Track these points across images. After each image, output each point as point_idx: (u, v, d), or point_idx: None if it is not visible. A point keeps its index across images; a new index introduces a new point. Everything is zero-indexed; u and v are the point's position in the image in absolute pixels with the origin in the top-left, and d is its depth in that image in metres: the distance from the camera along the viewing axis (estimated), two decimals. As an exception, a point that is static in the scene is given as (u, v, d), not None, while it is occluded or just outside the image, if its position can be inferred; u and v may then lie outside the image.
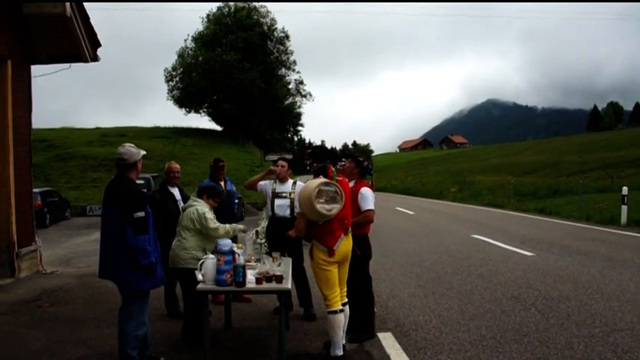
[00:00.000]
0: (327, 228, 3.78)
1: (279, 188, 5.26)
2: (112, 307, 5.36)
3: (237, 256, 3.75)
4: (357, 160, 4.46)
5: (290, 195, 5.19)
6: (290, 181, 5.29)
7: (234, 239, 5.04)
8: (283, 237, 4.69)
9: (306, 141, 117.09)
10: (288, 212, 5.17)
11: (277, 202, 5.18)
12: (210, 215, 4.23)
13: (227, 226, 4.26)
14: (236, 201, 6.46)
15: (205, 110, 50.50)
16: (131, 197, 3.46)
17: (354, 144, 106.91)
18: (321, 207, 3.63)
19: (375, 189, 4.54)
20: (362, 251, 4.35)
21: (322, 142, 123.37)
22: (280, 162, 5.24)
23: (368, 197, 4.41)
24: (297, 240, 4.90)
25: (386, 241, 10.65)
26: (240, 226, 4.34)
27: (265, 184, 5.31)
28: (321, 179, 3.77)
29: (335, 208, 3.68)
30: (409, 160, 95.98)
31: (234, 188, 6.28)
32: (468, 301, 5.60)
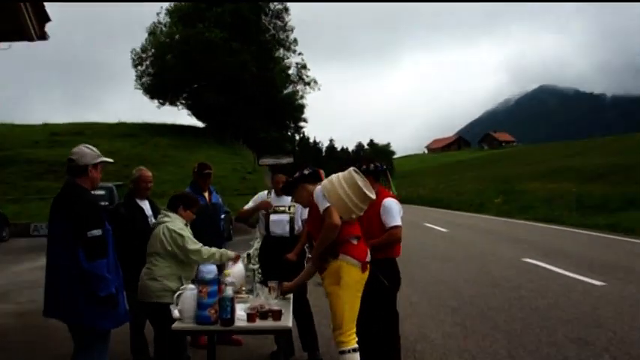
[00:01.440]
0: (353, 231, 3.90)
1: (276, 201, 5.31)
2: (62, 355, 5.30)
3: (223, 286, 3.72)
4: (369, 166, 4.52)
5: (289, 210, 5.25)
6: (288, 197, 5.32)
7: (220, 267, 5.02)
8: (280, 261, 4.70)
9: (311, 140, 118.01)
10: (286, 230, 5.21)
11: (273, 217, 5.23)
12: (186, 233, 4.24)
13: (213, 249, 4.27)
14: (222, 216, 6.46)
15: (183, 102, 50.99)
16: (84, 210, 3.43)
17: (371, 144, 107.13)
18: (364, 189, 3.80)
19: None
20: (389, 280, 4.35)
21: (330, 141, 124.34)
22: (278, 177, 5.29)
23: (393, 210, 4.44)
24: (299, 265, 4.89)
25: (412, 266, 10.62)
26: (231, 253, 4.34)
27: (258, 197, 5.37)
28: (350, 168, 3.95)
29: (371, 194, 3.87)
30: (441, 164, 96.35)
31: (220, 200, 6.30)
32: (520, 344, 5.53)
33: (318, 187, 3.88)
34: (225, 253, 4.34)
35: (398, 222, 4.45)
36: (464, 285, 8.68)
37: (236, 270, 4.27)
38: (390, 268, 4.42)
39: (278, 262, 4.85)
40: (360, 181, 3.84)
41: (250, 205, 5.42)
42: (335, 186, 3.80)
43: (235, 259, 4.37)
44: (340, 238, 3.80)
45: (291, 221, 5.23)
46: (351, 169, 3.90)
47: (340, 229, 3.76)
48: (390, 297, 4.45)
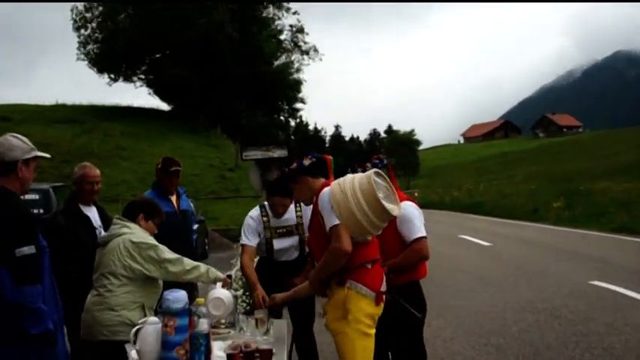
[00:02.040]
0: (369, 254, 3.89)
1: (277, 222, 5.33)
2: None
3: (195, 318, 3.73)
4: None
5: (297, 229, 5.31)
6: (291, 207, 5.37)
7: (191, 294, 5.02)
8: (284, 285, 4.77)
9: (310, 127, 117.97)
10: (295, 254, 5.35)
11: (278, 242, 5.31)
12: (156, 242, 4.35)
13: (201, 265, 4.38)
14: (195, 227, 6.47)
15: (142, 77, 51.20)
16: (10, 222, 3.43)
17: (389, 130, 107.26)
18: (385, 202, 3.75)
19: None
20: (416, 310, 4.42)
21: (337, 128, 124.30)
22: (277, 200, 5.21)
23: (414, 218, 4.50)
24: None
25: (443, 291, 10.62)
26: (220, 275, 4.41)
27: (254, 220, 5.32)
28: (370, 170, 3.90)
29: (395, 209, 3.82)
30: (481, 157, 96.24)
31: (192, 207, 6.32)
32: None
33: (326, 192, 3.85)
34: (213, 271, 4.40)
35: (422, 232, 4.51)
36: (512, 316, 8.67)
37: (218, 296, 4.28)
38: (416, 295, 4.49)
39: (283, 289, 4.88)
40: (383, 190, 3.81)
41: (246, 242, 5.29)
42: (348, 197, 3.75)
43: (225, 282, 4.41)
44: (350, 265, 3.81)
45: (302, 242, 5.30)
46: (372, 172, 3.84)
47: (352, 253, 3.76)
48: (417, 330, 4.51)
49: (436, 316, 8.71)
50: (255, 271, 5.14)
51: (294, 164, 4.13)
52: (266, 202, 5.41)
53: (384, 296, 3.90)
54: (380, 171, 3.93)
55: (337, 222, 3.72)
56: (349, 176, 3.92)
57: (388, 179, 3.92)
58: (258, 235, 5.33)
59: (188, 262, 4.35)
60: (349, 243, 3.71)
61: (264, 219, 5.32)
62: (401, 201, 4.46)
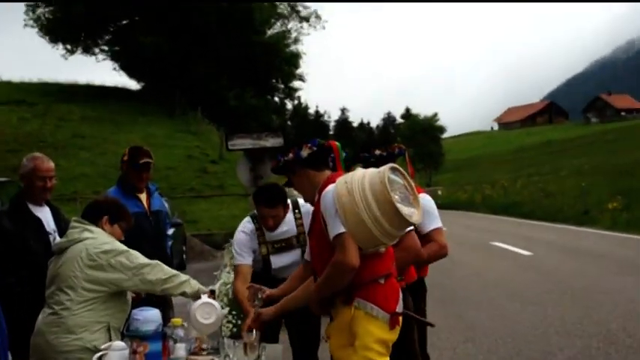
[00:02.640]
0: (382, 268, 3.87)
1: (273, 235, 5.34)
2: None
3: (170, 343, 3.74)
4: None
5: (299, 238, 5.33)
6: (289, 214, 5.37)
7: (165, 313, 5.03)
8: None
9: (311, 110, 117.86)
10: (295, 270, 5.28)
11: (277, 259, 5.35)
12: (125, 247, 4.38)
13: (181, 274, 4.40)
14: (170, 232, 6.48)
15: (105, 49, 51.14)
16: None
17: (407, 114, 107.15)
18: (402, 207, 3.70)
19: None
20: (417, 306, 4.62)
21: (343, 112, 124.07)
22: (263, 210, 5.23)
23: (431, 209, 4.76)
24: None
25: (473, 311, 10.65)
26: (203, 288, 4.45)
27: (246, 235, 5.36)
28: (385, 166, 3.83)
29: (414, 215, 3.78)
30: (519, 147, 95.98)
31: (166, 207, 6.33)
32: None
33: (329, 192, 3.80)
34: (195, 283, 4.43)
35: (438, 223, 4.79)
36: (557, 341, 8.67)
37: (208, 301, 4.31)
38: (420, 292, 4.75)
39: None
40: (400, 191, 3.77)
41: (240, 260, 5.33)
42: (356, 201, 3.69)
43: (210, 294, 4.42)
44: (358, 280, 3.78)
45: (304, 252, 5.26)
46: (387, 169, 3.78)
47: (361, 267, 3.72)
48: (420, 332, 4.72)
49: (464, 341, 8.71)
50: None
51: (291, 155, 4.09)
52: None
53: (400, 318, 3.88)
54: (397, 166, 3.89)
55: (342, 230, 3.67)
56: (359, 172, 3.85)
57: (407, 175, 3.90)
58: (252, 252, 5.34)
59: (167, 270, 4.37)
60: (356, 256, 3.67)
61: (258, 232, 5.33)
62: (418, 192, 4.59)
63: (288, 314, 4.64)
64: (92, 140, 33.70)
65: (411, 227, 4.46)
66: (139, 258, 4.33)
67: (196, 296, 4.38)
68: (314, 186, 4.03)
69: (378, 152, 4.92)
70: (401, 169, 3.89)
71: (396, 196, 3.69)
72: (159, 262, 4.41)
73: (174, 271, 4.41)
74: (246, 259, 5.29)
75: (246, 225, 5.40)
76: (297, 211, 5.34)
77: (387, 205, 3.64)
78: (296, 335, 5.41)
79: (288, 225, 5.32)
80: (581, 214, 29.60)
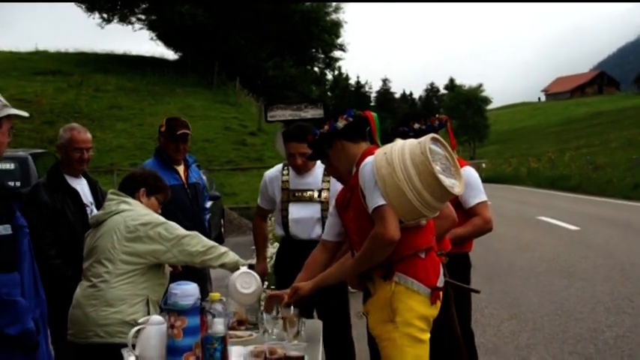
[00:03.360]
0: (422, 241, 3.88)
1: (297, 182, 5.42)
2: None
3: (209, 317, 3.75)
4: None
5: (321, 194, 5.36)
6: (318, 169, 5.41)
7: (204, 287, 5.06)
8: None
9: (352, 81, 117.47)
10: (317, 231, 5.31)
11: (295, 209, 5.36)
12: (163, 218, 4.42)
13: (222, 248, 4.46)
14: (208, 205, 6.50)
15: (142, 19, 51.25)
16: None
17: (451, 85, 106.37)
18: (444, 178, 3.71)
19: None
20: (463, 281, 4.68)
21: (384, 82, 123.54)
22: (292, 146, 5.35)
23: (475, 181, 4.82)
24: (340, 286, 4.94)
25: (517, 287, 10.63)
26: (243, 260, 4.49)
27: (271, 176, 5.57)
28: (425, 136, 3.83)
29: (456, 186, 3.79)
30: (567, 119, 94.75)
31: (204, 180, 6.35)
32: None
33: (368, 164, 3.80)
34: (235, 255, 4.48)
35: (483, 197, 4.82)
36: (605, 318, 8.62)
37: (247, 271, 4.36)
38: (464, 267, 4.81)
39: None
40: (441, 162, 3.76)
41: (260, 203, 5.73)
42: (396, 172, 3.69)
43: (251, 266, 4.47)
44: (398, 254, 3.79)
45: (324, 217, 5.28)
46: (428, 139, 3.77)
47: (401, 241, 3.73)
48: (464, 305, 4.79)
49: (508, 318, 8.68)
50: (265, 240, 5.74)
51: (326, 126, 4.08)
52: (291, 170, 5.51)
53: (440, 293, 3.88)
54: (437, 136, 3.88)
55: (382, 202, 3.68)
56: (398, 143, 3.85)
57: (448, 146, 3.88)
58: (273, 198, 5.49)
59: (205, 241, 4.41)
60: (397, 228, 3.67)
61: (284, 177, 5.44)
62: (462, 165, 4.56)
63: (319, 300, 4.67)
64: (129, 111, 33.88)
65: (484, 198, 4.62)
66: (178, 229, 4.36)
67: (235, 268, 4.41)
68: (350, 159, 4.02)
69: (417, 126, 4.88)
70: (442, 139, 3.88)
71: (437, 167, 3.68)
72: (198, 233, 4.45)
73: (213, 243, 4.45)
74: (264, 203, 5.66)
75: (274, 168, 5.64)
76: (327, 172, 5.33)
77: (429, 176, 3.64)
78: (326, 313, 5.40)
79: (313, 177, 5.40)
80: (632, 187, 29.24)
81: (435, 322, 3.92)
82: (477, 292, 4.53)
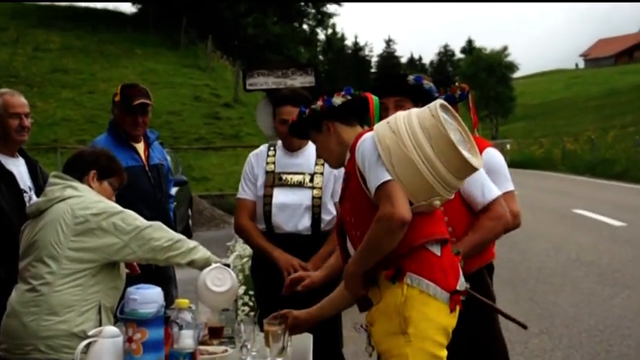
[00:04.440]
0: (436, 230, 3.89)
1: (285, 163, 5.43)
2: None
3: (175, 329, 3.74)
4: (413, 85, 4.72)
5: (312, 180, 5.37)
6: (311, 148, 5.36)
7: (168, 292, 5.04)
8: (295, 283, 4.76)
9: (348, 42, 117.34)
10: (305, 223, 5.33)
11: (280, 196, 5.36)
12: (119, 207, 4.40)
13: (191, 242, 4.44)
14: (173, 192, 6.49)
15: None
16: None
17: (469, 48, 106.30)
18: (464, 150, 3.71)
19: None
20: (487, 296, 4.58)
21: (388, 44, 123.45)
22: (283, 110, 5.34)
23: (501, 167, 4.86)
24: (323, 294, 4.96)
25: (550, 294, 10.67)
26: (215, 257, 4.46)
27: (256, 158, 5.56)
28: (434, 102, 3.84)
29: (475, 160, 3.78)
30: (611, 90, 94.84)
31: (169, 161, 6.34)
32: None
33: (368, 137, 3.81)
34: (206, 251, 4.44)
35: (510, 185, 4.84)
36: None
37: (220, 266, 4.33)
38: (488, 275, 4.73)
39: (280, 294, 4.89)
40: (457, 132, 3.75)
41: (242, 194, 5.53)
42: (403, 140, 3.68)
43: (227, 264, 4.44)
44: (407, 245, 3.78)
45: (315, 205, 5.30)
46: (438, 103, 3.77)
47: (409, 228, 3.71)
48: (492, 323, 4.70)
49: (538, 333, 8.68)
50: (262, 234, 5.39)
51: (320, 103, 4.06)
52: (280, 141, 5.48)
53: (460, 298, 3.86)
54: (447, 104, 3.85)
55: (388, 177, 3.66)
56: (401, 112, 3.86)
57: (460, 119, 3.86)
58: (256, 183, 5.45)
59: (171, 234, 4.39)
60: (407, 207, 3.64)
61: (269, 159, 5.44)
62: (483, 148, 4.66)
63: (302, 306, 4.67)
64: (76, 76, 33.76)
65: (498, 193, 4.51)
66: (137, 219, 4.34)
67: (207, 266, 4.38)
68: (343, 144, 4.03)
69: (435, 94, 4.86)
70: (451, 109, 3.86)
71: (452, 135, 3.68)
72: (161, 224, 4.42)
73: (180, 236, 4.43)
74: (248, 194, 5.47)
75: (260, 148, 5.61)
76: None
77: (442, 140, 3.65)
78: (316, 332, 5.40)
79: (305, 158, 5.41)
80: (688, 175, 29.41)
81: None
82: (524, 327, 4.50)
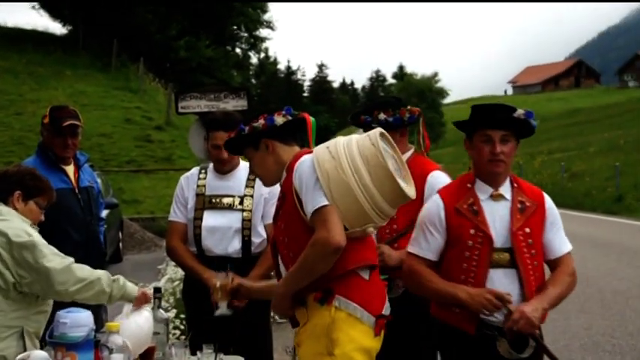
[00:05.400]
0: (367, 256, 3.93)
1: (216, 186, 5.42)
2: None
3: (104, 353, 3.72)
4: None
5: (243, 202, 5.36)
6: (242, 171, 5.45)
7: (98, 315, 5.00)
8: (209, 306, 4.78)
9: (281, 66, 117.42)
10: (236, 245, 5.32)
11: (209, 217, 5.35)
12: (37, 236, 4.28)
13: (100, 272, 4.33)
14: (104, 214, 6.44)
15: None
16: None
17: (400, 74, 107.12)
18: (402, 181, 3.77)
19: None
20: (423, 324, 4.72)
21: (321, 68, 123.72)
22: (219, 135, 5.30)
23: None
24: (263, 315, 4.97)
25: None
26: (134, 289, 4.38)
27: (187, 181, 5.55)
28: (373, 130, 3.90)
29: (411, 190, 3.85)
30: (537, 116, 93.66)
31: (99, 183, 6.29)
32: None
33: (307, 159, 3.84)
34: (124, 284, 4.34)
35: None
36: (582, 357, 8.81)
37: (138, 322, 4.27)
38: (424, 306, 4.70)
39: (208, 320, 4.88)
40: (393, 160, 3.81)
41: (173, 217, 5.50)
42: (343, 166, 3.73)
43: (140, 300, 4.36)
44: (338, 270, 3.81)
45: (245, 227, 5.30)
46: (377, 132, 3.84)
47: (343, 253, 3.74)
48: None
49: None
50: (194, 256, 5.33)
51: (261, 121, 4.07)
52: (211, 164, 5.48)
53: (384, 322, 3.92)
54: (385, 133, 3.92)
55: (326, 202, 3.70)
56: (341, 137, 3.90)
57: (396, 147, 3.94)
58: (186, 205, 5.44)
59: (86, 273, 4.27)
60: (342, 233, 3.69)
61: (200, 182, 5.42)
62: (430, 169, 4.81)
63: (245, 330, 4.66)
64: (4, 97, 33.24)
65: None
66: (46, 256, 4.20)
67: (126, 300, 4.33)
68: (281, 163, 4.06)
69: (382, 116, 4.94)
70: (389, 137, 3.92)
71: (390, 164, 3.73)
72: (73, 262, 4.30)
73: (96, 274, 4.32)
74: (179, 216, 5.45)
75: (191, 171, 5.60)
76: (252, 175, 5.32)
77: (380, 170, 3.70)
78: (246, 348, 5.37)
79: (236, 181, 5.40)
80: (614, 200, 29.75)
81: None
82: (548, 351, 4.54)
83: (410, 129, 5.24)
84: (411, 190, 3.84)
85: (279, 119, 4.05)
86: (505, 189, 4.36)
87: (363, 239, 3.91)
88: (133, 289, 4.36)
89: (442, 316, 4.35)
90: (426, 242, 4.32)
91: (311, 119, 4.15)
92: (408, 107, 5.05)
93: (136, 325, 4.23)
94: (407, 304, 4.70)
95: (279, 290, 3.97)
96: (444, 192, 4.44)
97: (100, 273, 4.33)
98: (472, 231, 4.23)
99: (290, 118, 4.08)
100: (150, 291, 4.56)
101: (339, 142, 3.82)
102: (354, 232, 3.79)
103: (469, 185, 4.38)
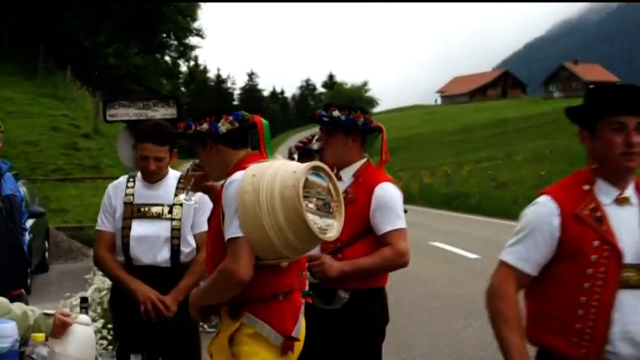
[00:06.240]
0: (282, 283, 3.90)
1: (144, 195, 5.39)
2: None
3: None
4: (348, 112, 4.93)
5: (172, 211, 5.34)
6: (171, 180, 5.43)
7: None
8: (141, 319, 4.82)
9: (211, 75, 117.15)
10: (165, 254, 5.29)
11: (138, 226, 5.31)
12: None
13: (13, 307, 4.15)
14: (28, 224, 6.36)
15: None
16: None
17: (330, 83, 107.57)
18: (314, 220, 3.70)
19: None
20: (377, 322, 4.97)
21: (250, 77, 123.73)
22: (148, 147, 5.28)
23: (395, 204, 4.85)
24: (191, 325, 4.98)
25: (407, 326, 10.79)
26: (46, 313, 4.21)
27: (115, 190, 5.50)
28: (304, 165, 3.84)
29: (331, 230, 3.81)
30: (466, 126, 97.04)
31: (22, 192, 6.21)
32: None
33: (234, 184, 3.79)
34: (32, 313, 4.15)
35: (400, 223, 4.81)
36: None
37: (74, 337, 4.20)
38: (380, 305, 4.98)
39: (145, 320, 4.84)
40: (319, 199, 3.78)
41: (100, 226, 5.44)
42: (260, 202, 3.68)
43: (59, 328, 4.21)
44: (251, 295, 3.80)
45: (174, 237, 5.27)
46: (308, 167, 3.77)
47: (256, 280, 3.74)
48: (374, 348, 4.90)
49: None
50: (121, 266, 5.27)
51: (205, 125, 4.02)
52: (140, 172, 5.44)
53: (295, 344, 3.89)
54: (323, 165, 3.89)
55: (238, 234, 3.69)
56: (275, 164, 3.83)
57: (334, 177, 3.93)
58: (114, 215, 5.39)
59: None
60: (249, 267, 3.67)
61: (128, 190, 5.38)
62: (379, 181, 4.80)
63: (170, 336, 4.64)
64: None
65: (403, 226, 4.73)
66: None
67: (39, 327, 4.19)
68: (225, 165, 4.03)
69: (336, 113, 4.89)
70: (327, 169, 3.88)
71: (311, 205, 3.70)
72: None
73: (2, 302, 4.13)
74: (107, 225, 5.39)
75: (119, 180, 5.56)
76: (181, 180, 5.27)
77: (295, 215, 3.64)
78: (171, 358, 5.34)
79: (165, 190, 5.37)
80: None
81: None
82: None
83: (370, 143, 5.21)
84: (332, 231, 3.79)
85: (222, 127, 3.97)
86: (630, 191, 3.66)
87: (279, 268, 3.88)
88: (42, 314, 4.07)
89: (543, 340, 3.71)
90: (527, 251, 3.71)
91: (263, 122, 4.09)
92: (367, 115, 5.04)
93: (80, 333, 4.09)
94: (350, 316, 4.70)
95: (192, 299, 3.99)
96: (556, 193, 3.68)
97: (7, 301, 4.11)
98: (596, 243, 3.51)
99: (237, 124, 4.00)
100: (67, 309, 4.49)
101: (266, 173, 3.74)
102: (268, 262, 3.79)
103: (586, 187, 3.64)
